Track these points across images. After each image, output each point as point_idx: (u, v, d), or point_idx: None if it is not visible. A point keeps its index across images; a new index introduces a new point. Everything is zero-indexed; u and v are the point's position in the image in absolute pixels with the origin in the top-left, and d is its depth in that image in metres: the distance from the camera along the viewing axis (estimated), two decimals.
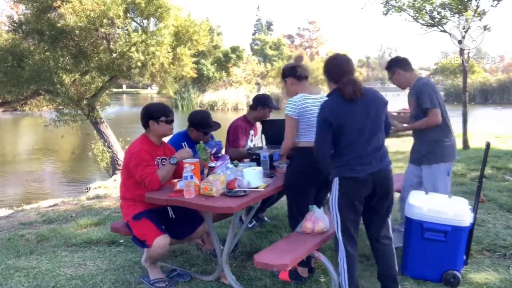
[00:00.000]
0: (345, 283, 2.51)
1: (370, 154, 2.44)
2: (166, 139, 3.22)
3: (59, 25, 7.28)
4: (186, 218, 3.05)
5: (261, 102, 3.87)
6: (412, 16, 8.79)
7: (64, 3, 7.27)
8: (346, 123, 2.40)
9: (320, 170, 2.84)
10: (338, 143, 2.45)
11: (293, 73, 2.91)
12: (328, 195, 2.77)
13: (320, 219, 2.78)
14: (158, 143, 3.04)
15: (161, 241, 2.79)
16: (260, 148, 3.67)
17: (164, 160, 3.05)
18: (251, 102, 3.96)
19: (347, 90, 2.38)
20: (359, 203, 2.47)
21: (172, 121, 3.02)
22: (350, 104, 2.40)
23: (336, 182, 2.48)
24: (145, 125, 3.00)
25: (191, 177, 2.63)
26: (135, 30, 8.31)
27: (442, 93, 37.23)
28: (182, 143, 3.29)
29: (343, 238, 2.50)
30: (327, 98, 2.52)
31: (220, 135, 3.86)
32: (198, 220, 3.07)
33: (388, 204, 2.57)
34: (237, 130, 3.82)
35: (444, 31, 8.42)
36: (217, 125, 3.47)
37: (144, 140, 3.00)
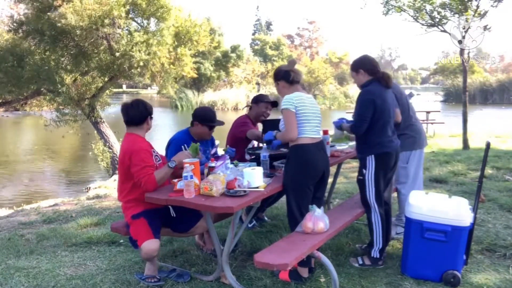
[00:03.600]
0: (378, 239, 3.13)
1: (393, 133, 3.13)
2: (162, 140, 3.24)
3: (59, 24, 7.27)
4: (187, 212, 3.04)
5: (257, 99, 3.95)
6: (412, 16, 8.79)
7: (65, 3, 7.27)
8: (386, 105, 3.00)
9: (317, 167, 2.86)
10: (375, 124, 2.98)
11: (286, 78, 2.97)
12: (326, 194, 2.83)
13: (320, 219, 2.78)
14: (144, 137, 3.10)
15: (148, 245, 2.80)
16: (260, 148, 3.67)
17: (153, 151, 3.08)
18: (250, 103, 4.03)
19: (388, 79, 3.06)
20: (388, 172, 3.12)
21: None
22: (387, 91, 3.07)
23: (371, 158, 3.03)
24: (141, 121, 3.00)
25: (191, 177, 2.63)
26: (137, 30, 8.32)
27: (441, 93, 37.30)
28: (182, 146, 3.28)
29: (377, 203, 3.09)
30: (369, 85, 3.05)
31: (221, 135, 3.86)
32: (199, 214, 3.08)
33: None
34: (244, 122, 3.90)
35: (444, 31, 8.42)
36: (220, 122, 3.48)
37: (139, 138, 3.00)
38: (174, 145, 3.37)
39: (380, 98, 3.00)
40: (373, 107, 2.97)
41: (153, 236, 2.84)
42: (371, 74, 3.10)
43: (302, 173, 2.85)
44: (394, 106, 3.16)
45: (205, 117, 3.40)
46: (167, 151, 3.42)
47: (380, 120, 3.01)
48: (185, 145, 3.27)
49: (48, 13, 7.70)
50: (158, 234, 2.90)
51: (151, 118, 3.06)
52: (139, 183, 2.81)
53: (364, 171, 3.11)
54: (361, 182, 3.16)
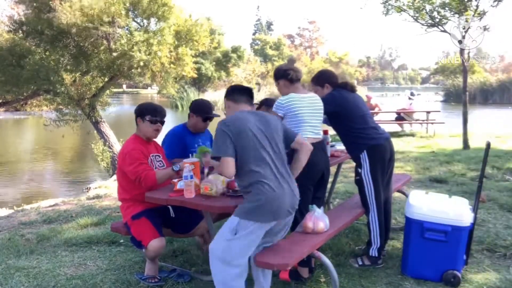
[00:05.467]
0: (376, 238, 3.13)
1: (378, 126, 3.19)
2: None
3: (57, 24, 7.27)
4: (188, 213, 3.05)
5: (267, 103, 3.93)
6: (412, 16, 8.79)
7: (62, 2, 7.27)
8: (349, 100, 3.11)
9: (317, 167, 2.86)
10: (353, 120, 3.07)
11: (285, 76, 2.97)
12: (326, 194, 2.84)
13: (320, 219, 2.78)
14: (149, 141, 3.06)
15: (156, 244, 2.80)
16: None
17: (158, 156, 3.06)
18: (258, 103, 4.01)
19: (351, 86, 3.24)
20: (385, 167, 3.13)
21: (157, 121, 2.98)
22: (350, 93, 3.19)
23: (364, 155, 3.06)
24: (136, 122, 3.01)
25: (191, 177, 2.63)
26: (136, 30, 8.31)
27: (441, 93, 37.32)
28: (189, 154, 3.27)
29: (375, 202, 3.08)
30: (334, 92, 3.17)
31: None
32: (200, 215, 3.08)
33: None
34: None
35: (444, 31, 8.41)
36: (216, 114, 3.49)
37: (136, 139, 3.00)
38: (171, 136, 3.40)
39: (340, 95, 3.13)
40: (336, 101, 3.10)
41: (158, 234, 2.84)
42: (333, 86, 3.23)
43: (302, 173, 2.85)
44: (363, 104, 3.24)
45: (199, 108, 3.41)
46: (163, 143, 3.43)
47: (355, 114, 3.10)
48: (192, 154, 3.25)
49: (47, 14, 7.70)
50: (162, 232, 2.91)
51: (144, 119, 2.93)
52: (138, 179, 2.80)
53: (359, 170, 3.12)
54: (359, 182, 3.17)
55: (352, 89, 3.23)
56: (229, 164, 2.31)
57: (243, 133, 2.35)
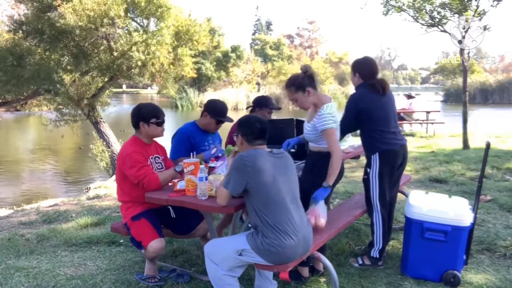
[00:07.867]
0: (379, 239, 3.13)
1: (398, 132, 3.15)
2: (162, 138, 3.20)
3: (58, 24, 7.28)
4: (188, 214, 3.04)
5: (259, 104, 3.87)
6: (412, 16, 8.79)
7: (64, 3, 7.28)
8: (372, 108, 3.02)
9: (340, 174, 2.85)
10: (376, 123, 3.03)
11: (311, 83, 2.82)
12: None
13: (322, 215, 2.72)
14: (149, 143, 3.03)
15: (155, 245, 2.80)
16: None
17: (157, 158, 3.04)
18: (251, 104, 3.96)
19: (382, 87, 3.03)
20: (394, 171, 3.11)
21: (162, 122, 2.98)
22: (378, 96, 3.04)
23: (376, 157, 3.04)
24: (136, 126, 2.97)
25: (206, 179, 2.60)
26: (136, 30, 8.32)
27: (441, 93, 37.35)
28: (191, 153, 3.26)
29: (380, 203, 3.07)
30: (359, 94, 3.09)
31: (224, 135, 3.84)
32: (200, 216, 3.08)
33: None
34: None
35: (444, 31, 8.42)
36: (229, 119, 3.43)
37: (135, 142, 2.97)
38: (179, 135, 3.36)
39: (365, 103, 3.02)
40: (354, 113, 3.04)
41: (158, 235, 2.84)
42: (364, 79, 3.11)
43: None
44: (391, 107, 3.14)
45: (216, 110, 3.35)
46: (172, 140, 3.41)
47: (377, 116, 3.03)
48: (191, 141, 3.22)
49: (48, 14, 7.71)
50: (161, 233, 2.91)
51: (149, 123, 2.91)
52: (141, 184, 2.79)
53: (368, 170, 3.11)
54: (366, 182, 3.16)
55: (380, 90, 3.03)
56: (226, 197, 2.39)
57: (262, 172, 2.32)
